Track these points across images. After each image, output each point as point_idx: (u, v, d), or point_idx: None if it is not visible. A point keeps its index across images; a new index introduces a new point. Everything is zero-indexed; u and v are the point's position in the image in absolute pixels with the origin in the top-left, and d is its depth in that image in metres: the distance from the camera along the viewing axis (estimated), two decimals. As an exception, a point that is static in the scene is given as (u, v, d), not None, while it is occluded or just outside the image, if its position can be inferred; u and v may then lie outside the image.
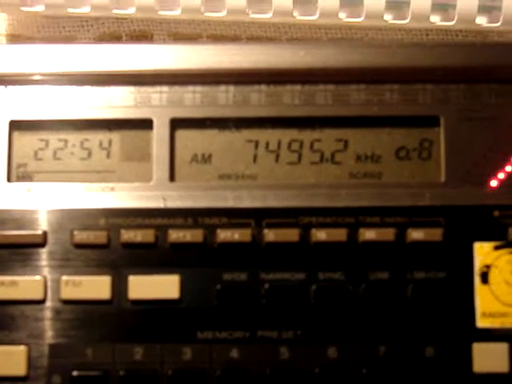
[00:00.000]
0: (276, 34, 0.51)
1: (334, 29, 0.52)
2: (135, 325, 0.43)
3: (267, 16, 0.50)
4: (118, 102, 0.45)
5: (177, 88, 0.45)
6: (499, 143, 0.44)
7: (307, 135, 0.45)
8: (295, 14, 0.50)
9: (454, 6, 0.49)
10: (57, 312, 0.43)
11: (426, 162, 0.45)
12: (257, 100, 0.45)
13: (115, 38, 0.52)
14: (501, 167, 0.44)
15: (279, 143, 0.45)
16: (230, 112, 0.45)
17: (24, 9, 0.51)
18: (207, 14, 0.51)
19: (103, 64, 0.45)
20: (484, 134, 0.44)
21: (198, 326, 0.43)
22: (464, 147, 0.44)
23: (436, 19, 0.50)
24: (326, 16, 0.50)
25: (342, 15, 0.50)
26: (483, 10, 0.50)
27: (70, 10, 0.51)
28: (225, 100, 0.45)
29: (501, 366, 0.42)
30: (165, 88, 0.45)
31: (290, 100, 0.45)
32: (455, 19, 0.49)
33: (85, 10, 0.51)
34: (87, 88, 0.45)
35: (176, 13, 0.51)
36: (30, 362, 0.43)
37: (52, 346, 0.43)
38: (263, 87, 0.45)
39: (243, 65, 0.45)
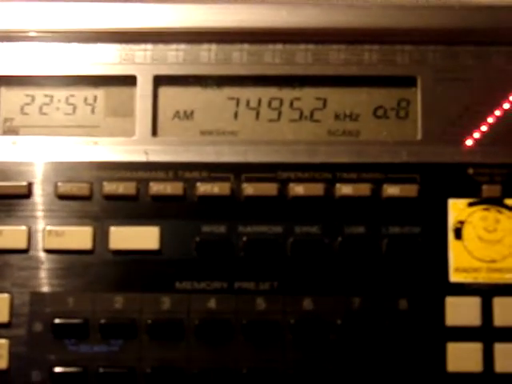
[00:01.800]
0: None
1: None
2: (116, 275, 0.44)
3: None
4: (103, 59, 0.46)
5: (160, 46, 0.46)
6: (475, 103, 0.45)
7: (287, 93, 0.46)
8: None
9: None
10: (40, 261, 0.44)
11: (403, 120, 0.46)
12: (238, 59, 0.46)
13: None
14: (476, 127, 0.45)
15: (260, 101, 0.46)
16: (212, 70, 0.46)
17: None
18: None
19: (89, 22, 0.46)
20: (460, 95, 0.45)
21: (177, 276, 0.44)
22: (440, 107, 0.45)
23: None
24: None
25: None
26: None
27: None
28: (207, 58, 0.46)
29: (473, 320, 0.43)
30: (149, 46, 0.46)
31: (271, 59, 0.46)
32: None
33: None
34: (73, 45, 0.46)
35: None
36: (13, 309, 0.44)
37: (34, 295, 0.44)
38: (245, 46, 0.46)
39: (225, 24, 0.45)
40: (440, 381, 0.43)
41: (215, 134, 0.46)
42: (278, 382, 0.43)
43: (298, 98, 0.46)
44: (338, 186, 0.44)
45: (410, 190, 0.44)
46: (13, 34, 0.46)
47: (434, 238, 0.44)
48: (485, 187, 0.44)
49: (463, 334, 0.43)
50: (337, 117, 0.46)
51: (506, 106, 0.45)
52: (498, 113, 0.45)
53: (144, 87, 0.45)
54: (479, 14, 0.47)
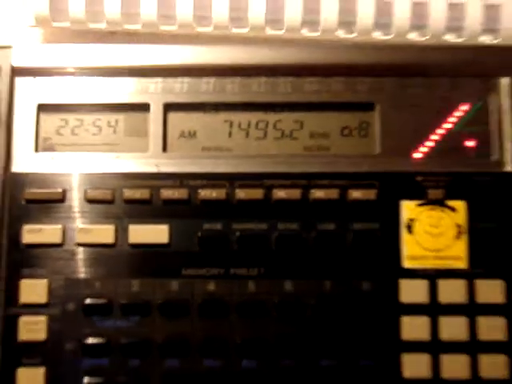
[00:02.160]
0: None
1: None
2: (133, 264, 0.44)
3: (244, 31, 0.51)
4: (123, 90, 0.46)
5: (169, 79, 0.46)
6: (421, 124, 0.46)
7: (271, 117, 0.46)
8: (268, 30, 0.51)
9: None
10: (72, 253, 0.44)
11: (364, 138, 0.46)
12: (231, 89, 0.46)
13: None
14: (422, 143, 0.45)
15: (249, 123, 0.46)
16: (210, 98, 0.46)
17: (55, 24, 0.52)
18: (198, 29, 0.52)
19: (112, 60, 0.46)
20: (410, 117, 0.46)
21: (183, 264, 0.44)
22: (394, 127, 0.46)
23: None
24: (327, 33, 0.51)
25: (340, 32, 0.51)
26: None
27: (91, 26, 0.52)
28: (207, 89, 0.46)
29: (422, 298, 0.44)
30: (159, 79, 0.46)
31: (258, 89, 0.46)
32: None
33: (101, 25, 0.53)
34: (99, 79, 0.46)
35: (173, 28, 0.51)
36: (51, 292, 0.44)
37: (68, 280, 0.44)
38: (237, 79, 0.46)
39: (221, 61, 0.46)
40: (395, 347, 0.43)
41: (213, 149, 0.46)
42: (265, 351, 0.43)
43: (279, 121, 0.46)
44: (312, 191, 0.44)
45: (370, 193, 0.44)
46: (51, 70, 0.46)
47: (390, 232, 0.44)
48: (430, 191, 0.45)
49: (414, 309, 0.43)
50: (311, 135, 0.46)
51: (447, 126, 0.45)
52: (440, 132, 0.45)
53: (156, 112, 0.46)
54: (424, 52, 0.47)
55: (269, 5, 0.50)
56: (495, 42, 0.50)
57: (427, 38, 0.51)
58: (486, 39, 0.51)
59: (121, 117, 0.46)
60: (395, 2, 0.50)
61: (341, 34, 0.51)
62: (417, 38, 0.51)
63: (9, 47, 0.46)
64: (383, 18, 0.51)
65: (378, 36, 0.51)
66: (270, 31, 0.51)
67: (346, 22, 0.50)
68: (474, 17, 0.50)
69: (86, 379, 0.43)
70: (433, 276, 0.44)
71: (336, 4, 0.50)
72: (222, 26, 0.51)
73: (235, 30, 0.51)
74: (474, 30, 0.50)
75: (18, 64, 0.46)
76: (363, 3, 0.50)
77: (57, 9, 0.51)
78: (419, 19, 0.50)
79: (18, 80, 0.46)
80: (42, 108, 0.46)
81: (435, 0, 0.50)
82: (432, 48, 0.49)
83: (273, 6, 0.50)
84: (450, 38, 0.51)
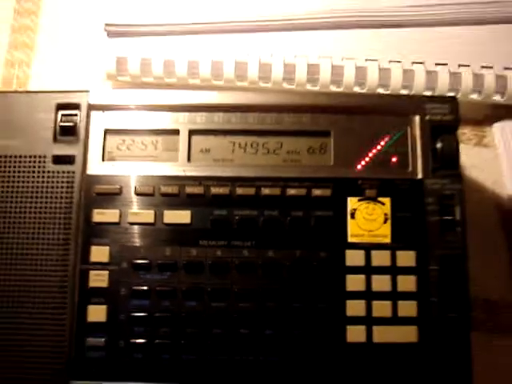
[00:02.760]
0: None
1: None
2: (167, 237, 0.43)
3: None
4: (161, 120, 0.45)
5: (193, 113, 0.45)
6: (362, 146, 0.44)
7: (261, 139, 0.45)
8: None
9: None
10: (125, 229, 0.43)
11: (323, 154, 0.45)
12: (234, 121, 0.45)
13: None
14: (363, 158, 0.44)
15: (246, 143, 0.45)
16: (220, 126, 0.45)
17: (119, 78, 0.52)
18: (214, 82, 0.52)
19: (155, 100, 0.45)
20: (354, 141, 0.44)
21: (200, 237, 0.43)
22: (343, 147, 0.44)
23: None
24: (299, 86, 0.51)
25: (308, 85, 0.51)
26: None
27: (143, 79, 0.52)
28: (217, 120, 0.45)
29: (360, 263, 0.42)
30: (186, 113, 0.45)
31: (252, 121, 0.45)
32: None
33: (150, 79, 0.52)
34: (146, 112, 0.45)
35: (197, 81, 0.52)
36: (111, 255, 0.43)
37: (122, 247, 0.43)
38: (238, 114, 0.45)
39: (227, 102, 0.45)
40: (342, 295, 0.42)
41: (221, 161, 0.45)
42: (255, 297, 0.42)
43: (266, 142, 0.45)
44: (287, 189, 0.43)
45: (327, 192, 0.43)
46: (114, 107, 0.45)
47: (340, 218, 0.43)
48: (367, 191, 0.43)
49: (355, 270, 0.42)
50: (287, 152, 0.45)
51: (378, 147, 0.44)
52: (373, 151, 0.44)
53: (183, 136, 0.45)
54: (364, 99, 0.47)
55: (261, 67, 0.51)
56: (411, 93, 0.50)
57: (365, 90, 0.49)
58: (404, 91, 0.50)
59: (160, 138, 0.45)
60: (345, 67, 0.49)
61: (308, 86, 0.51)
62: (359, 90, 0.50)
63: (87, 91, 0.46)
64: (337, 77, 0.49)
65: (333, 88, 0.50)
66: (262, 84, 0.51)
67: (312, 78, 0.50)
68: (396, 78, 0.50)
69: (133, 314, 0.42)
70: (368, 248, 0.42)
71: (305, 67, 0.50)
72: (230, 80, 0.51)
73: (239, 83, 0.51)
74: (396, 86, 0.49)
75: (92, 102, 0.45)
76: (324, 67, 0.49)
77: (121, 69, 0.50)
78: (360, 78, 0.49)
79: (93, 113, 0.45)
80: (108, 132, 0.45)
81: (371, 66, 0.49)
82: (369, 96, 0.49)
83: (264, 68, 0.50)
84: (381, 91, 0.49)
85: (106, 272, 0.43)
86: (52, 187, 0.44)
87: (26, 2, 0.58)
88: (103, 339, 0.42)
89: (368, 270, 0.42)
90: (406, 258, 0.42)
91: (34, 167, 0.44)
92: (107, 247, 0.43)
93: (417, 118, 0.45)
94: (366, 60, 0.50)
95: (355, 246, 0.43)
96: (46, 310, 0.42)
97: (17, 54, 0.56)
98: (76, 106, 0.45)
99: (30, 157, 0.44)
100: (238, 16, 0.51)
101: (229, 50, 0.51)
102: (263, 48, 0.51)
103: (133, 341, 0.42)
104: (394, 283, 0.42)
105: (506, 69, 0.50)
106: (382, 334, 0.42)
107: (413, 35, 0.51)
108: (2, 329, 0.42)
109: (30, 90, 0.54)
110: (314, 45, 0.51)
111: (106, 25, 0.51)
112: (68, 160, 0.44)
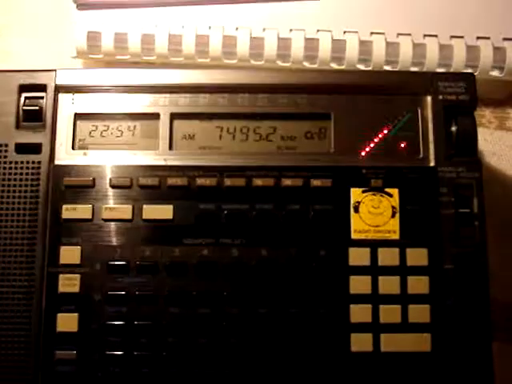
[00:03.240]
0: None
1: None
2: (146, 234, 0.42)
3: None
4: (140, 103, 0.44)
5: (174, 95, 0.44)
6: (366, 130, 0.44)
7: (252, 124, 0.44)
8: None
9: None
10: (99, 226, 0.42)
11: (323, 140, 0.44)
12: (222, 103, 0.44)
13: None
14: (367, 144, 0.44)
15: (235, 128, 0.44)
16: (205, 109, 0.44)
17: (91, 56, 0.51)
18: (199, 60, 0.51)
19: (131, 80, 0.45)
20: (357, 125, 0.44)
21: (183, 235, 0.42)
22: (345, 132, 0.43)
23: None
24: (295, 63, 0.50)
25: (305, 63, 0.51)
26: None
27: (118, 57, 0.51)
28: (203, 102, 0.44)
29: (365, 262, 0.42)
30: (167, 95, 0.44)
31: (241, 103, 0.44)
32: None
33: (126, 57, 0.52)
34: (122, 95, 0.45)
35: (179, 59, 0.51)
36: (83, 255, 0.42)
37: (96, 246, 0.42)
38: (225, 95, 0.44)
39: (214, 81, 0.44)
40: (345, 299, 0.41)
41: (208, 148, 0.44)
42: (245, 300, 0.42)
43: (258, 127, 0.44)
44: (282, 179, 0.42)
45: (327, 182, 0.42)
46: (85, 88, 0.45)
47: (342, 212, 0.42)
48: (372, 181, 0.43)
49: (359, 270, 0.41)
50: (282, 138, 0.44)
51: (385, 131, 0.44)
52: (379, 136, 0.43)
53: (164, 120, 0.44)
54: (368, 76, 0.46)
55: (252, 42, 0.50)
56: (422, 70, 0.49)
57: (370, 68, 0.49)
58: (414, 68, 0.50)
59: (138, 123, 0.44)
60: (347, 42, 0.49)
61: (306, 64, 0.50)
62: (363, 68, 0.49)
63: (54, 70, 0.45)
64: (337, 54, 0.49)
65: (334, 66, 0.50)
66: (253, 62, 0.51)
67: (310, 55, 0.49)
68: (405, 53, 0.49)
69: (108, 322, 0.41)
70: (374, 245, 0.42)
71: (302, 43, 0.49)
72: (217, 58, 0.50)
73: (227, 61, 0.51)
74: (405, 62, 0.49)
75: (60, 83, 0.44)
76: (323, 42, 0.48)
77: (93, 45, 0.50)
78: (365, 54, 0.49)
79: (61, 95, 0.44)
80: (78, 116, 0.44)
81: (376, 40, 0.48)
82: (373, 73, 0.48)
83: (255, 44, 0.50)
84: (388, 68, 0.49)
85: (78, 275, 0.42)
86: (15, 179, 0.42)
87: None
88: (74, 351, 0.41)
89: (374, 270, 0.42)
90: (417, 256, 0.42)
91: (-5, 157, 0.42)
92: (78, 247, 0.42)
93: (428, 98, 0.44)
94: (371, 33, 0.49)
95: (359, 244, 0.42)
96: (10, 318, 0.41)
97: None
98: (41, 88, 0.44)
99: (-10, 145, 0.42)
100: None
101: (215, 24, 0.49)
102: (255, 21, 0.49)
103: (108, 353, 0.41)
104: (404, 285, 0.41)
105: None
106: (390, 343, 0.41)
107: (423, 3, 0.51)
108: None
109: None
110: (311, 16, 0.50)
111: (76, -5, 0.51)
112: (33, 149, 0.43)
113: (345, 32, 0.49)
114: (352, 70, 0.48)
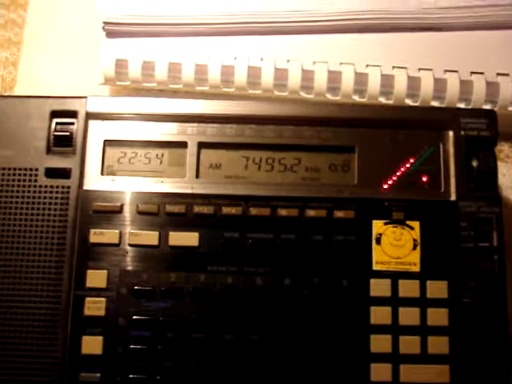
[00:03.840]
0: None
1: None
2: (171, 260, 0.44)
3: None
4: (168, 132, 0.46)
5: (202, 124, 0.46)
6: (389, 164, 0.46)
7: (277, 155, 0.46)
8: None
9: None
10: (126, 251, 0.44)
11: (346, 172, 0.46)
12: (248, 133, 0.46)
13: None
14: (389, 177, 0.45)
15: (260, 159, 0.46)
16: (232, 139, 0.46)
17: (118, 83, 0.53)
18: (224, 89, 0.53)
19: (160, 109, 0.46)
20: (380, 158, 0.46)
21: (209, 262, 0.44)
22: (368, 165, 0.45)
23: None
24: (318, 95, 0.52)
25: (328, 95, 0.52)
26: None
27: (145, 85, 0.53)
28: (230, 132, 0.46)
29: (386, 293, 0.43)
30: (195, 124, 0.46)
31: (268, 134, 0.46)
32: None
33: (153, 84, 0.53)
34: (151, 123, 0.46)
35: (205, 88, 0.53)
36: (109, 280, 0.43)
37: (122, 271, 0.44)
38: (253, 126, 0.46)
39: (241, 113, 0.46)
40: (366, 329, 0.43)
41: (233, 177, 0.46)
42: (269, 328, 0.43)
43: (283, 158, 0.46)
44: (306, 210, 0.44)
45: (350, 213, 0.44)
46: (115, 116, 0.46)
47: (364, 243, 0.44)
48: (394, 213, 0.44)
49: (380, 301, 0.43)
50: (306, 169, 0.46)
51: (407, 165, 0.45)
52: (402, 169, 0.45)
53: (192, 149, 0.46)
54: (392, 111, 0.48)
55: (276, 74, 0.52)
56: (443, 105, 0.51)
57: (392, 101, 0.51)
58: (435, 103, 0.51)
59: (166, 151, 0.46)
60: (369, 75, 0.50)
61: (328, 95, 0.52)
62: (384, 101, 0.51)
63: (85, 97, 0.46)
64: (360, 86, 0.51)
65: (356, 98, 0.51)
66: (277, 92, 0.52)
67: (332, 87, 0.51)
68: (427, 87, 0.51)
69: (132, 346, 0.43)
70: (394, 276, 0.43)
71: (325, 76, 0.51)
72: (242, 88, 0.52)
73: (251, 91, 0.52)
74: (426, 96, 0.50)
75: (91, 110, 0.46)
76: (346, 76, 0.50)
77: (120, 72, 0.51)
78: (386, 87, 0.51)
79: (91, 122, 0.46)
80: (107, 143, 0.46)
81: (398, 74, 0.50)
82: (397, 108, 0.50)
83: (279, 75, 0.52)
84: (409, 102, 0.51)
85: (103, 299, 0.43)
86: (44, 203, 0.44)
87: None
88: (98, 374, 0.43)
89: (395, 301, 0.43)
90: (437, 288, 0.43)
91: (25, 181, 0.45)
92: (105, 271, 0.44)
93: (450, 133, 0.46)
94: (393, 67, 0.51)
95: (381, 275, 0.44)
96: (36, 340, 0.43)
97: (2, 52, 0.58)
98: (72, 114, 0.46)
99: (21, 169, 0.45)
100: (251, 17, 0.53)
101: (241, 54, 0.52)
102: (279, 52, 0.52)
103: (132, 376, 0.43)
104: (424, 316, 0.43)
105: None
106: (409, 373, 0.42)
107: (445, 39, 0.52)
108: (-14, 361, 0.42)
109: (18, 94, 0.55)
110: (334, 50, 0.52)
111: (105, 23, 0.53)
112: (63, 173, 0.45)
113: (367, 66, 0.50)
114: (375, 105, 0.50)
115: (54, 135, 0.46)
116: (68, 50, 0.56)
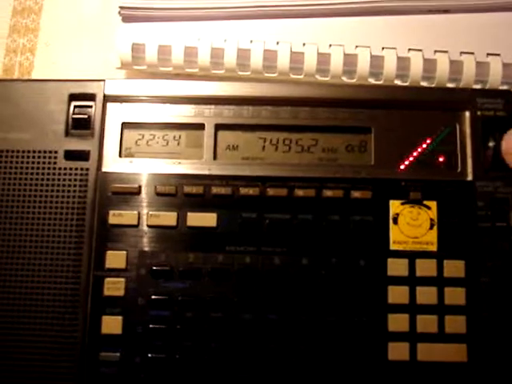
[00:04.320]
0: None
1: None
2: (190, 241, 0.44)
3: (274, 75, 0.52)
4: (185, 113, 0.47)
5: (219, 106, 0.46)
6: (405, 144, 0.46)
7: (294, 136, 0.46)
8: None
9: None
10: (144, 232, 0.44)
11: (363, 153, 0.46)
12: (265, 115, 0.46)
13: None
14: (406, 157, 0.46)
15: (277, 140, 0.46)
16: (249, 121, 0.46)
17: (134, 67, 0.53)
18: (240, 73, 0.53)
19: (177, 91, 0.47)
20: (396, 139, 0.46)
21: (227, 243, 0.44)
22: (385, 145, 0.46)
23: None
24: (334, 78, 0.52)
25: (344, 78, 0.52)
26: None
27: (161, 69, 0.53)
28: (246, 114, 0.46)
29: (403, 272, 0.44)
30: (212, 106, 0.46)
31: (284, 115, 0.46)
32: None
33: (169, 69, 0.54)
34: (168, 105, 0.47)
35: (221, 72, 0.53)
36: (128, 260, 0.44)
37: (141, 252, 0.44)
38: (269, 107, 0.46)
39: (257, 94, 0.46)
40: (384, 308, 0.43)
41: (251, 159, 0.46)
42: (285, 306, 0.43)
43: (300, 139, 0.46)
44: (323, 190, 0.44)
45: (367, 194, 0.45)
46: (133, 98, 0.47)
47: (381, 223, 0.44)
48: (411, 193, 0.45)
49: (397, 280, 0.43)
50: (323, 150, 0.46)
51: (424, 145, 0.46)
52: (418, 150, 0.46)
53: (209, 131, 0.46)
54: (408, 92, 0.48)
55: (292, 57, 0.52)
56: (459, 86, 0.51)
57: (407, 83, 0.51)
58: (451, 84, 0.52)
59: (183, 133, 0.47)
60: (385, 58, 0.50)
61: (344, 78, 0.52)
62: (400, 83, 0.51)
63: (103, 80, 0.47)
64: (375, 69, 0.51)
65: (372, 81, 0.52)
66: (293, 76, 0.52)
67: (348, 70, 0.51)
68: (442, 69, 0.51)
69: (151, 326, 0.43)
70: (412, 256, 0.44)
71: (341, 58, 0.51)
72: (258, 71, 0.52)
73: (267, 75, 0.52)
74: (442, 78, 0.51)
75: (108, 93, 0.47)
76: (362, 58, 0.50)
77: (137, 56, 0.52)
78: (402, 70, 0.51)
79: (109, 105, 0.47)
80: (125, 125, 0.47)
81: (414, 56, 0.50)
82: (413, 89, 0.50)
83: (295, 58, 0.52)
84: (425, 84, 0.51)
85: (123, 279, 0.44)
86: (64, 185, 0.45)
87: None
88: (118, 353, 0.43)
89: (412, 280, 0.44)
90: (454, 268, 0.44)
91: (44, 163, 0.45)
92: (124, 252, 0.44)
93: (467, 114, 0.46)
94: (409, 50, 0.51)
95: (398, 254, 0.44)
96: (56, 320, 0.43)
97: (19, 39, 0.58)
98: (91, 97, 0.47)
99: (40, 152, 0.46)
100: (266, 1, 0.53)
101: (257, 38, 0.52)
102: (295, 36, 0.52)
103: (151, 356, 0.43)
104: (441, 296, 0.43)
105: None
106: (427, 352, 0.43)
107: (461, 21, 0.52)
108: (7, 341, 0.43)
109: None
110: (350, 33, 0.52)
111: (121, 8, 0.53)
112: (81, 156, 0.46)
113: (383, 48, 0.50)
114: (392, 86, 0.50)
115: (73, 118, 0.46)
116: (84, 35, 0.56)
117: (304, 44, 0.52)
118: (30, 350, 0.43)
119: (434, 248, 0.44)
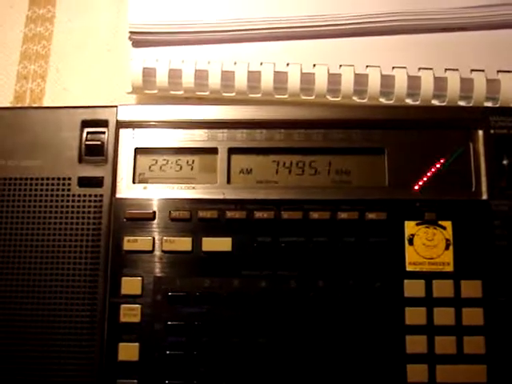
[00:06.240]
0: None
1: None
2: (205, 266, 0.44)
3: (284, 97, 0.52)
4: (198, 138, 0.47)
5: (232, 130, 0.46)
6: (419, 165, 0.46)
7: (307, 158, 0.46)
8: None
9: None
10: (159, 258, 0.44)
11: (377, 174, 0.46)
12: (278, 138, 0.46)
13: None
14: (420, 178, 0.45)
15: (291, 163, 0.46)
16: (262, 144, 0.46)
17: (145, 91, 0.53)
18: (251, 95, 0.53)
19: (189, 116, 0.47)
20: (410, 159, 0.46)
21: (242, 267, 0.44)
22: (399, 166, 0.45)
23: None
24: (345, 98, 0.52)
25: (355, 98, 0.52)
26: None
27: (172, 92, 0.53)
28: (259, 137, 0.46)
29: (420, 293, 0.43)
30: (225, 130, 0.46)
31: (297, 138, 0.46)
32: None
33: (179, 92, 0.54)
34: (180, 130, 0.47)
35: (232, 94, 0.53)
36: (143, 286, 0.44)
37: (156, 278, 0.44)
38: (282, 131, 0.46)
39: (270, 117, 0.46)
40: (400, 331, 0.43)
41: (264, 182, 0.46)
42: (304, 332, 0.43)
43: (313, 161, 0.46)
44: (338, 213, 0.44)
45: (381, 215, 0.44)
46: (145, 124, 0.47)
47: (396, 244, 0.44)
48: (426, 214, 0.44)
49: (414, 302, 0.43)
50: (337, 172, 0.46)
51: (437, 166, 0.45)
52: (432, 170, 0.45)
53: (222, 155, 0.46)
54: (420, 111, 0.48)
55: (302, 78, 0.52)
56: (469, 104, 0.51)
57: (418, 102, 0.51)
58: (462, 102, 0.51)
59: (196, 158, 0.47)
60: (396, 77, 0.50)
61: (355, 98, 0.52)
62: (411, 102, 0.51)
63: (115, 106, 0.47)
64: (386, 89, 0.51)
65: (383, 101, 0.52)
66: (303, 97, 0.52)
67: (359, 90, 0.51)
68: (453, 88, 0.51)
69: (168, 352, 0.43)
70: (428, 277, 0.43)
71: (352, 78, 0.51)
72: (268, 93, 0.52)
73: (278, 96, 0.52)
74: (453, 96, 0.50)
75: (121, 119, 0.47)
76: (372, 78, 0.50)
77: (148, 81, 0.52)
78: (413, 89, 0.51)
79: (122, 131, 0.47)
80: (139, 151, 0.47)
81: (424, 75, 0.50)
82: (425, 109, 0.50)
83: (306, 79, 0.52)
84: (436, 102, 0.51)
85: (139, 306, 0.44)
86: (78, 212, 0.45)
87: (40, 7, 0.60)
88: (135, 380, 0.43)
89: (429, 301, 0.43)
90: (472, 288, 0.43)
91: (58, 190, 0.45)
92: (139, 278, 0.44)
93: (480, 132, 0.46)
94: (419, 69, 0.51)
95: (414, 275, 0.44)
96: (73, 347, 0.43)
97: (30, 65, 0.58)
98: (103, 123, 0.47)
99: (54, 179, 0.46)
100: (277, 23, 0.53)
101: (266, 60, 0.52)
102: (304, 57, 0.52)
103: (168, 382, 0.43)
104: (459, 316, 0.43)
105: None
106: (446, 374, 0.42)
107: (471, 39, 0.52)
108: (26, 370, 0.43)
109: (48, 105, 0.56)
110: (360, 53, 0.52)
111: (131, 33, 0.53)
112: (95, 182, 0.46)
113: (393, 68, 0.50)
114: (404, 106, 0.50)
115: (86, 144, 0.46)
116: (95, 62, 0.56)
117: (314, 65, 0.52)
118: (48, 378, 0.43)
119: (450, 268, 0.44)
